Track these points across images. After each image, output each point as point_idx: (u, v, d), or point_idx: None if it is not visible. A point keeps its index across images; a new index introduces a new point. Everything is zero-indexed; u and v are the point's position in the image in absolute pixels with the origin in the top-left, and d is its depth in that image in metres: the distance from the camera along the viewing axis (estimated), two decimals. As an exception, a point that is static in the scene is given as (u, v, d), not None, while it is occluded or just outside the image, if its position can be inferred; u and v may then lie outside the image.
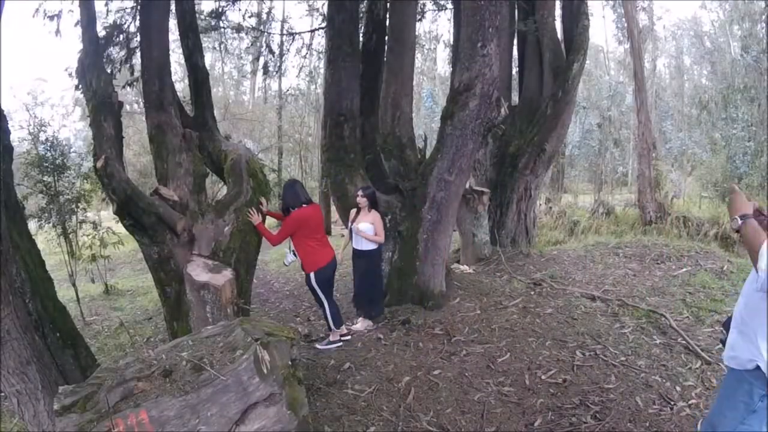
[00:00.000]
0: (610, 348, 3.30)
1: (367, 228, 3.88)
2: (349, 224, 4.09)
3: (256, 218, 3.54)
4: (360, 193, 3.99)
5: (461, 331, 3.73)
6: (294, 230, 3.60)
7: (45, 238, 6.16)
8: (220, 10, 7.02)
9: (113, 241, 6.52)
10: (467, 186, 5.38)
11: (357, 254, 4.04)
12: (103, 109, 3.53)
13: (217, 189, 10.14)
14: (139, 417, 1.71)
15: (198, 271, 3.23)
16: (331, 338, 3.74)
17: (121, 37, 5.39)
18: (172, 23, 5.03)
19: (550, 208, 10.79)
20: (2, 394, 2.56)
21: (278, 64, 9.78)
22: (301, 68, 10.05)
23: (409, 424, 2.59)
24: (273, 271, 7.65)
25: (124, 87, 5.89)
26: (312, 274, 3.65)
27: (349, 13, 4.65)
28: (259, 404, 1.94)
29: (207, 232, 3.57)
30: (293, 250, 3.76)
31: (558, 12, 7.14)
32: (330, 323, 3.75)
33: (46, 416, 2.42)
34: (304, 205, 3.64)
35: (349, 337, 3.78)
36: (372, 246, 3.96)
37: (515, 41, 7.40)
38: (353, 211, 4.11)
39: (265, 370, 1.99)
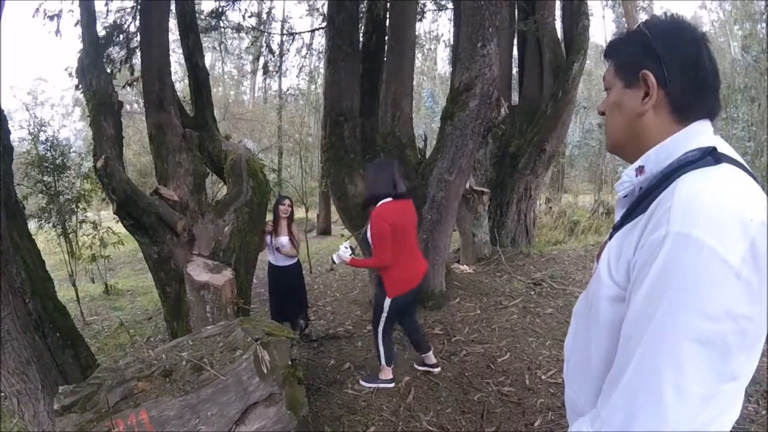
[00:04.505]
0: (610, 348, 3.30)
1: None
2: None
3: (351, 259, 2.80)
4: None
5: (461, 331, 3.73)
6: (390, 233, 2.60)
7: (45, 238, 6.16)
8: (220, 10, 7.01)
9: (113, 241, 6.52)
10: (467, 186, 5.38)
11: None
12: (103, 109, 3.53)
13: (217, 189, 10.14)
14: (139, 417, 1.71)
15: (198, 271, 3.23)
16: (381, 376, 3.00)
17: (121, 37, 5.39)
18: (172, 23, 5.03)
19: (550, 208, 10.79)
20: (2, 394, 2.56)
21: (278, 64, 9.78)
22: (301, 68, 10.06)
23: (409, 424, 2.59)
24: (273, 271, 7.64)
25: (124, 87, 5.89)
26: (388, 300, 2.76)
27: (349, 13, 4.65)
28: (259, 404, 1.94)
29: (207, 232, 3.57)
30: (350, 246, 2.90)
31: (558, 12, 7.14)
32: (382, 358, 2.96)
33: (46, 416, 2.42)
34: (389, 199, 2.70)
35: (393, 384, 2.98)
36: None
37: (515, 41, 7.40)
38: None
39: (265, 370, 1.99)
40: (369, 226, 2.70)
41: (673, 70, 0.75)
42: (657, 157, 0.77)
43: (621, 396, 0.68)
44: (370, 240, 2.73)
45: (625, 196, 0.82)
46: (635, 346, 0.66)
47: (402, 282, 2.76)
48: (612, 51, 0.86)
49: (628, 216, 0.77)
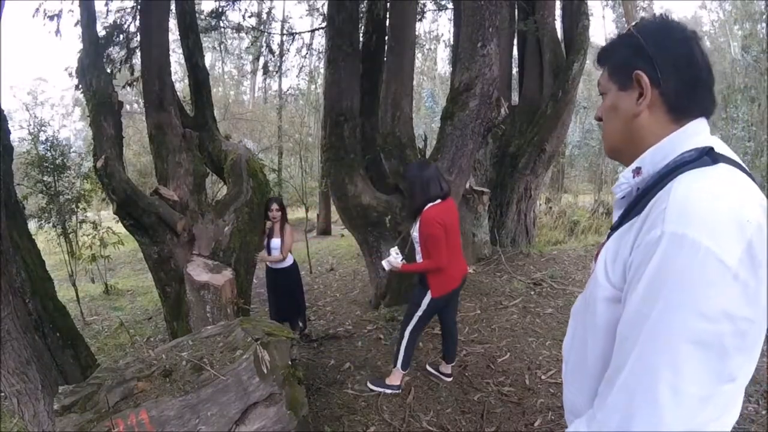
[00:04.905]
0: (610, 348, 3.30)
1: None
2: None
3: (402, 265, 2.75)
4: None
5: (461, 331, 3.73)
6: (444, 235, 2.60)
7: (45, 238, 6.17)
8: (220, 10, 7.01)
9: (113, 241, 6.53)
10: (467, 186, 5.38)
11: None
12: (103, 109, 3.54)
13: (217, 189, 10.14)
14: (139, 417, 1.71)
15: (198, 271, 3.23)
16: (388, 381, 2.91)
17: (121, 37, 5.39)
18: (172, 23, 5.03)
19: (550, 208, 10.79)
20: (2, 394, 2.56)
21: (278, 64, 9.78)
22: (301, 68, 10.06)
23: (409, 424, 2.59)
24: (273, 271, 7.64)
25: (124, 87, 5.89)
26: (429, 297, 2.70)
27: (349, 13, 4.65)
28: (259, 404, 1.94)
29: (207, 232, 3.58)
30: (399, 251, 2.81)
31: (558, 12, 7.14)
32: (399, 359, 2.84)
33: (46, 416, 2.42)
34: (438, 201, 2.67)
35: (399, 391, 2.89)
36: None
37: (515, 41, 7.40)
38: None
39: (265, 370, 1.99)
40: (418, 229, 2.69)
41: (666, 69, 0.75)
42: (653, 158, 0.76)
43: (617, 397, 0.67)
44: (417, 242, 2.72)
45: (623, 198, 0.82)
46: (631, 347, 0.66)
47: (446, 281, 2.72)
48: (604, 56, 0.86)
49: (625, 217, 0.77)
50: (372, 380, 2.99)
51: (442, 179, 2.76)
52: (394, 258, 2.75)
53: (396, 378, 2.89)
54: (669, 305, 0.62)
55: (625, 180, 0.81)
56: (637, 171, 0.79)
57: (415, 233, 2.74)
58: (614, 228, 0.80)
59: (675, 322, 0.62)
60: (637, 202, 0.75)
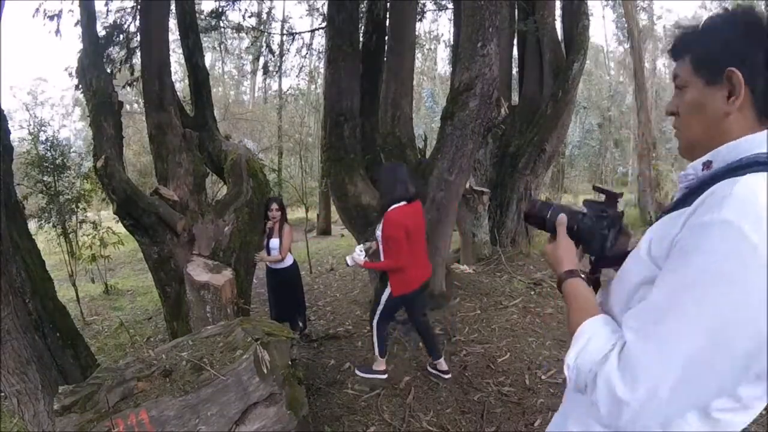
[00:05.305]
0: (610, 348, 3.29)
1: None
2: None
3: (364, 262, 2.90)
4: None
5: (461, 331, 3.73)
6: (405, 236, 2.68)
7: (45, 238, 6.16)
8: (220, 10, 7.02)
9: (113, 241, 6.52)
10: (467, 186, 5.38)
11: None
12: (103, 109, 3.54)
13: (217, 189, 10.14)
14: (139, 417, 1.71)
15: (198, 271, 3.23)
16: (374, 366, 3.10)
17: (121, 37, 5.39)
18: (172, 23, 5.03)
19: (550, 208, 10.77)
20: (2, 394, 2.56)
21: (278, 64, 9.79)
22: (301, 68, 10.07)
23: (409, 424, 2.59)
24: (273, 271, 7.63)
25: (124, 87, 5.90)
26: (388, 295, 2.87)
27: (349, 13, 4.64)
28: (259, 404, 1.94)
29: (207, 232, 3.58)
30: (366, 248, 2.97)
31: (558, 12, 7.14)
32: (376, 349, 3.05)
33: (46, 416, 2.42)
34: (403, 203, 2.75)
35: (385, 376, 3.08)
36: None
37: (515, 41, 7.40)
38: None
39: (265, 370, 1.99)
40: (381, 227, 2.76)
41: (757, 67, 0.72)
42: (727, 155, 0.73)
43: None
44: (380, 241, 2.81)
45: (687, 188, 0.79)
46: (652, 324, 0.66)
47: (406, 282, 2.83)
48: (686, 46, 0.79)
49: (683, 202, 0.74)
50: (359, 367, 3.14)
51: (411, 183, 2.82)
52: (357, 255, 2.87)
53: (380, 364, 3.07)
54: (699, 294, 0.62)
55: (694, 171, 0.78)
56: (708, 165, 0.75)
57: (378, 232, 2.82)
58: (667, 211, 0.78)
59: (697, 306, 0.62)
60: (699, 188, 0.72)
